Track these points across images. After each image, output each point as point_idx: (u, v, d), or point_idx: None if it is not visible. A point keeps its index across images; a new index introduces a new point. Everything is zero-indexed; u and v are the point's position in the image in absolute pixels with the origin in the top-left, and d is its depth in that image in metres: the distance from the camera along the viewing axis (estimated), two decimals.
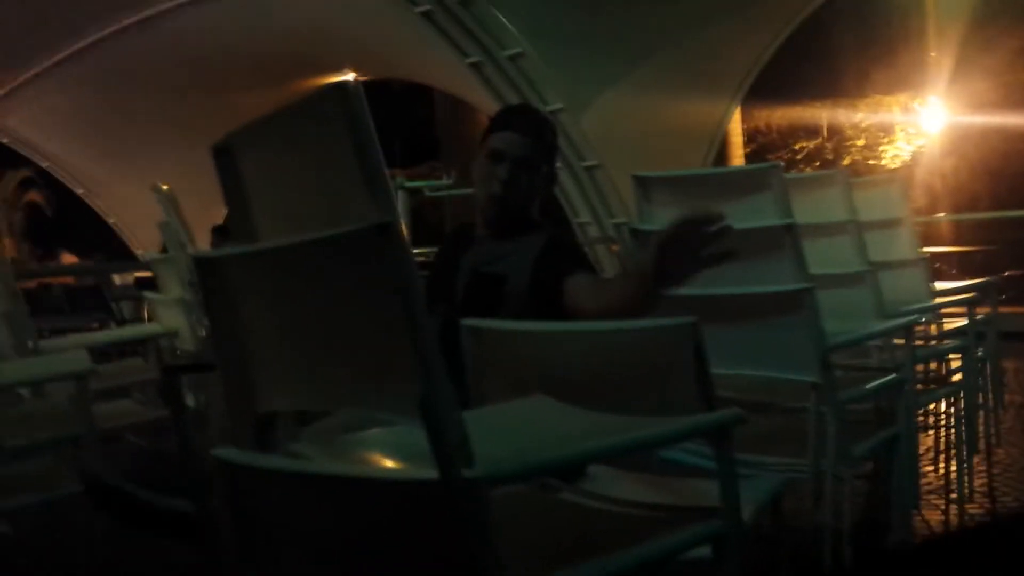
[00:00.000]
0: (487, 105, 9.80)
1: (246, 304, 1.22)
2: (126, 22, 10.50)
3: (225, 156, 1.25)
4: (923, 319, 3.06)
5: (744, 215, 2.04)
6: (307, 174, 1.13)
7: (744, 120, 14.35)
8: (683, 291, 2.11)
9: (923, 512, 2.80)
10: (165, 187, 3.31)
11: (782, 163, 2.06)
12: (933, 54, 14.78)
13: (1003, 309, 4.79)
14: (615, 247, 8.88)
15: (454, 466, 0.94)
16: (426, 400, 0.95)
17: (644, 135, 8.79)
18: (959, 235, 11.81)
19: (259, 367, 1.25)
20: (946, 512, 2.80)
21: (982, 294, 3.29)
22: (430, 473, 0.94)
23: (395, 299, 0.97)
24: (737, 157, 12.67)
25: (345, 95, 1.01)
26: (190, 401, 2.83)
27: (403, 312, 0.96)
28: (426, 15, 8.16)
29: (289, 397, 1.26)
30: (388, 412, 1.05)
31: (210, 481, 1.28)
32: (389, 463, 1.23)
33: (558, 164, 2.16)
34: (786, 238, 1.95)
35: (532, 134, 2.04)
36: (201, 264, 1.26)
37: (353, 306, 1.05)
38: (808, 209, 2.49)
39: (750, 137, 15.87)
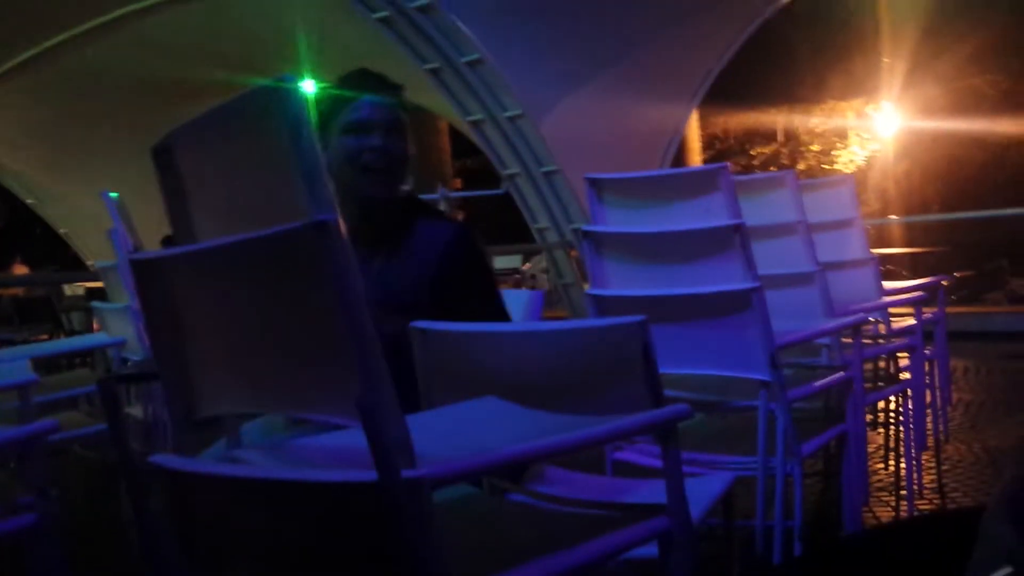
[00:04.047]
0: (445, 111, 9.81)
1: (185, 307, 1.20)
2: (76, 31, 10.33)
3: (165, 156, 1.23)
4: (872, 318, 3.11)
5: (694, 215, 2.07)
6: (246, 172, 1.12)
7: (702, 126, 14.53)
8: (633, 292, 2.13)
9: (873, 509, 2.85)
10: (114, 194, 3.25)
11: (729, 164, 2.08)
12: (886, 60, 15.08)
13: (953, 309, 4.90)
14: (574, 252, 8.91)
15: (393, 466, 0.93)
16: (364, 400, 0.93)
17: (602, 140, 8.84)
18: (911, 237, 12.05)
19: (200, 371, 1.23)
20: (896, 509, 2.84)
21: (930, 294, 3.35)
22: (369, 474, 0.93)
23: (334, 297, 0.96)
24: (695, 163, 12.80)
25: (284, 93, 1.00)
26: (138, 411, 2.78)
27: (342, 310, 0.95)
28: (384, 21, 8.14)
29: (231, 401, 1.24)
30: (328, 414, 1.04)
31: (149, 489, 1.25)
32: (332, 466, 1.21)
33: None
34: (735, 238, 1.97)
35: (395, 95, 1.83)
36: (139, 267, 1.24)
37: (292, 306, 1.04)
38: (758, 210, 2.52)
39: (708, 143, 16.05)
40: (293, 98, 1.01)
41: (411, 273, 1.83)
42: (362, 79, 1.84)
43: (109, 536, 2.45)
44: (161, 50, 10.40)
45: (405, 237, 1.86)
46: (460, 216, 12.75)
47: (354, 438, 0.98)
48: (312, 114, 1.81)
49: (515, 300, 2.08)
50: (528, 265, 12.29)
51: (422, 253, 1.84)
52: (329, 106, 1.82)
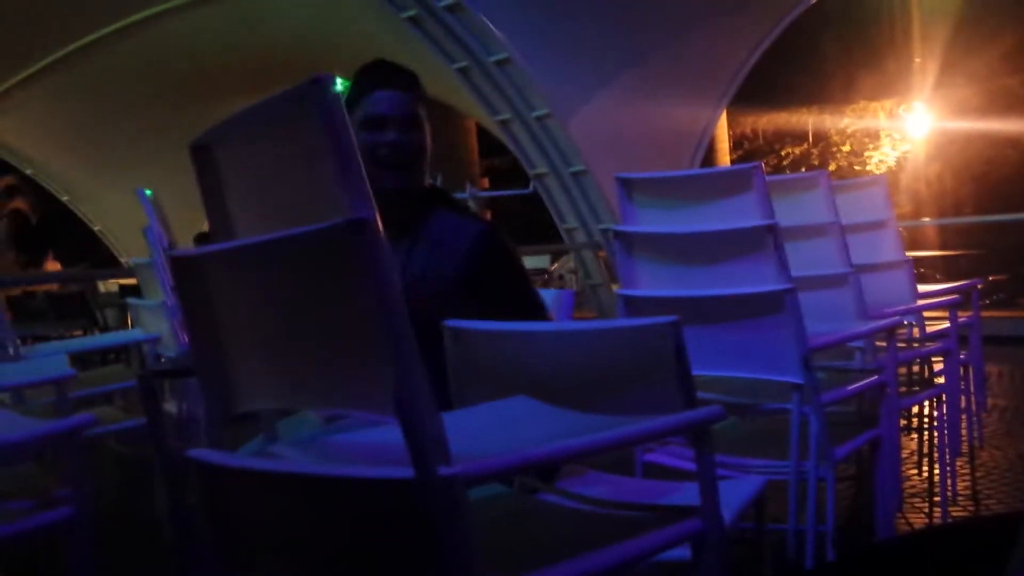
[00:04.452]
0: (473, 110, 9.82)
1: (223, 303, 1.21)
2: (111, 29, 10.47)
3: (203, 153, 1.24)
4: (905, 321, 3.07)
5: (726, 216, 2.05)
6: (284, 170, 1.13)
7: (731, 126, 14.45)
8: (663, 292, 2.12)
9: (906, 514, 2.81)
10: (149, 191, 3.29)
11: (762, 164, 2.06)
12: (918, 60, 14.91)
13: (987, 313, 4.83)
14: (602, 253, 8.89)
15: (430, 464, 0.93)
16: (402, 397, 0.94)
17: (630, 140, 8.81)
18: (944, 240, 11.90)
19: (237, 367, 1.24)
20: (929, 515, 2.81)
21: (965, 297, 3.31)
22: (405, 471, 0.94)
23: (371, 295, 0.96)
24: (724, 163, 12.72)
25: (321, 90, 1.01)
26: (172, 407, 2.80)
27: (379, 308, 0.95)
28: (412, 20, 8.17)
29: (267, 397, 1.25)
30: (365, 410, 1.05)
31: (185, 484, 1.27)
32: (367, 462, 1.22)
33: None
34: (768, 239, 1.95)
35: (412, 87, 1.82)
36: (178, 263, 1.25)
37: (330, 302, 1.04)
38: (791, 211, 2.50)
39: (737, 143, 15.96)
40: (329, 96, 1.01)
41: (432, 267, 1.81)
42: (377, 69, 1.85)
43: (143, 530, 2.47)
44: (191, 50, 10.52)
45: (425, 229, 1.84)
46: (487, 215, 12.76)
47: (389, 435, 0.99)
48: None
49: (545, 299, 2.08)
50: (556, 266, 12.29)
51: (446, 248, 1.82)
52: (349, 101, 1.82)
